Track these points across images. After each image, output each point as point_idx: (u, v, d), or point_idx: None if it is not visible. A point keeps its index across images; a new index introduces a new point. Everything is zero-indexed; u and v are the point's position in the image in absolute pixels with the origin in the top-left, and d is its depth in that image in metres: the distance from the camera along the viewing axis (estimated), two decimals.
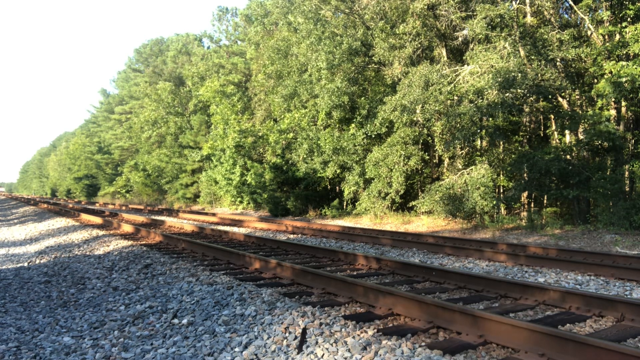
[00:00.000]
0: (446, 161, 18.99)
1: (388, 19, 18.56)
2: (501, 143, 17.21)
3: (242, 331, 4.13)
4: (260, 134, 27.90)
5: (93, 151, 61.39)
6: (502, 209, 17.36)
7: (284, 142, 24.95)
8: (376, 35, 18.24)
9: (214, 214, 21.85)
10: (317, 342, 3.75)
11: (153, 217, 20.38)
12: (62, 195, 77.02)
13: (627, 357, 3.13)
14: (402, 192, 17.75)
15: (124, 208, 33.54)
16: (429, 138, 18.67)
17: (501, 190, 17.80)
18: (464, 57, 16.66)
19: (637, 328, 4.29)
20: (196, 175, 37.68)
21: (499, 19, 14.89)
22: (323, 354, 3.54)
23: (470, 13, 15.88)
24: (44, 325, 4.90)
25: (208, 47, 44.63)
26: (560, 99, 15.39)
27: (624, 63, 12.71)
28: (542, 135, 18.09)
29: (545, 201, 17.71)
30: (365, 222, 17.86)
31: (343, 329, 3.99)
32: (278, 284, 6.09)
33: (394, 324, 4.37)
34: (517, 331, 3.70)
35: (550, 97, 15.43)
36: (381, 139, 19.38)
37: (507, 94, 14.02)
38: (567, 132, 15.46)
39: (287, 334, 3.95)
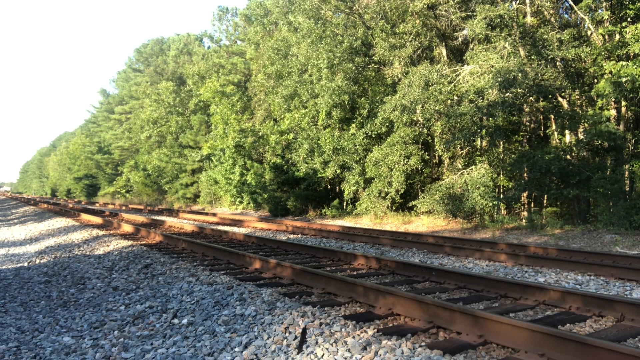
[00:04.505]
0: (446, 161, 18.99)
1: (388, 19, 18.56)
2: (501, 143, 17.21)
3: (242, 331, 4.13)
4: (260, 133, 27.90)
5: (93, 151, 61.40)
6: (502, 209, 17.36)
7: (284, 142, 24.96)
8: (376, 35, 18.24)
9: (214, 214, 21.85)
10: (317, 342, 3.75)
11: (153, 217, 20.38)
12: (62, 195, 77.02)
13: (627, 357, 3.13)
14: (402, 191, 17.75)
15: (124, 208, 33.54)
16: (429, 138, 18.67)
17: (501, 190, 17.80)
18: (464, 57, 16.66)
19: (637, 328, 4.29)
20: (196, 175, 37.69)
21: (498, 19, 14.89)
22: (323, 354, 3.54)
23: (470, 13, 15.88)
24: (44, 325, 4.90)
25: (208, 47, 44.64)
26: (560, 98, 15.39)
27: (624, 63, 12.71)
28: (542, 135, 18.09)
29: (545, 201, 17.71)
30: (365, 222, 17.86)
31: (343, 329, 3.99)
32: (278, 283, 6.09)
33: (394, 324, 4.37)
34: (517, 331, 3.70)
35: (550, 97, 15.42)
36: (381, 138, 19.39)
37: (507, 94, 14.02)
38: (567, 132, 15.46)
39: (287, 334, 3.95)
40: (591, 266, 7.11)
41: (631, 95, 12.99)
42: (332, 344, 3.69)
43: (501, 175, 16.92)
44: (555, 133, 16.61)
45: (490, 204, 14.76)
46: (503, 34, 15.12)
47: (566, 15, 17.83)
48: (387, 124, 18.44)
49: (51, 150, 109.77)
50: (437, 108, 16.04)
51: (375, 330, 4.00)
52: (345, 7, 19.86)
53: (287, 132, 24.63)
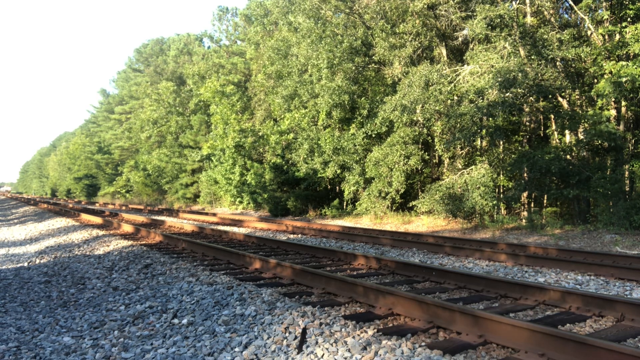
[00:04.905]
0: (446, 161, 18.99)
1: (388, 19, 18.57)
2: (501, 143, 17.22)
3: (242, 331, 4.13)
4: (260, 133, 27.91)
5: (93, 151, 61.42)
6: (502, 209, 17.36)
7: (284, 142, 24.97)
8: (376, 35, 18.24)
9: (214, 214, 21.85)
10: (317, 342, 3.75)
11: (153, 217, 20.38)
12: (62, 195, 77.02)
13: (627, 357, 3.13)
14: (402, 191, 17.75)
15: (124, 208, 33.54)
16: (429, 138, 18.67)
17: (501, 190, 17.80)
18: (464, 57, 16.66)
19: (637, 328, 4.29)
20: (196, 175, 37.70)
21: (498, 19, 14.89)
22: (323, 354, 3.54)
23: (470, 13, 15.87)
24: (44, 325, 4.89)
25: (208, 47, 44.65)
26: (560, 98, 15.39)
27: (624, 63, 12.71)
28: (542, 135, 18.09)
29: (545, 201, 17.71)
30: (365, 222, 17.86)
31: (343, 329, 3.99)
32: (278, 283, 6.09)
33: (394, 324, 4.37)
34: (517, 331, 3.70)
35: (550, 97, 15.43)
36: (381, 138, 19.40)
37: (507, 94, 14.02)
38: (567, 132, 15.46)
39: (287, 334, 3.95)
40: (591, 266, 7.11)
41: (631, 95, 12.99)
42: (332, 344, 3.69)
43: (501, 175, 16.92)
44: (555, 133, 16.61)
45: (490, 204, 14.76)
46: (503, 34, 15.12)
47: (566, 15, 17.83)
48: (387, 124, 18.44)
49: (51, 150, 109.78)
50: (437, 108, 16.03)
51: (375, 330, 3.99)
52: (345, 7, 19.86)
53: (287, 132, 24.63)
